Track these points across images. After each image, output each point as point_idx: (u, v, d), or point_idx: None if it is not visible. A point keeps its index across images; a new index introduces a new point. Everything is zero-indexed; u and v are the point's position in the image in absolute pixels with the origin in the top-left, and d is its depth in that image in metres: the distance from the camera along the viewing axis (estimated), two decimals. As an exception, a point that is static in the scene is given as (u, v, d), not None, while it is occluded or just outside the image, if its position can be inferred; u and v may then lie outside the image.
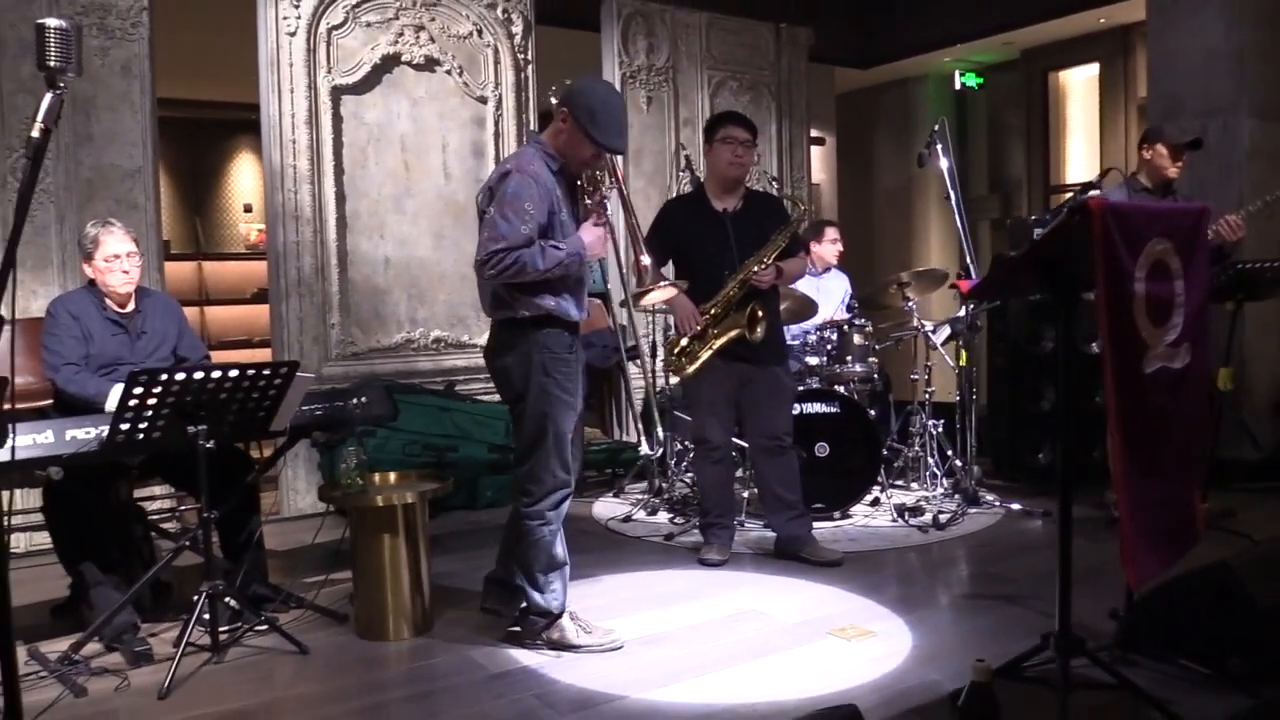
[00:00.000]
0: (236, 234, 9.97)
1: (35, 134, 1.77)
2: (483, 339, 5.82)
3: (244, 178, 10.08)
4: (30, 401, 4.52)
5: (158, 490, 4.61)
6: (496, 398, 5.72)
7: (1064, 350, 2.59)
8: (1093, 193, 3.43)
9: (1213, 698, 2.76)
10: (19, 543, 4.70)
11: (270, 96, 5.23)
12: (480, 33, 5.84)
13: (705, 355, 4.16)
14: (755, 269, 4.11)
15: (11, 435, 2.78)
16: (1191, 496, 2.67)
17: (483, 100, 5.87)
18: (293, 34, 5.25)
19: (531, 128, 5.97)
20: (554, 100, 3.35)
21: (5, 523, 2.11)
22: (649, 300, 3.67)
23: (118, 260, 3.60)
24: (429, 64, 5.68)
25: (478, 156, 5.87)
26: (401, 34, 5.58)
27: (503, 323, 3.30)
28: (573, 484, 3.35)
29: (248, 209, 10.10)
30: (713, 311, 4.15)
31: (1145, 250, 2.34)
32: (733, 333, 4.13)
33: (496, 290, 3.25)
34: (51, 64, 1.80)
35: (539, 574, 3.29)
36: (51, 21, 1.80)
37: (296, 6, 5.25)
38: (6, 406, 2.08)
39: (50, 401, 4.53)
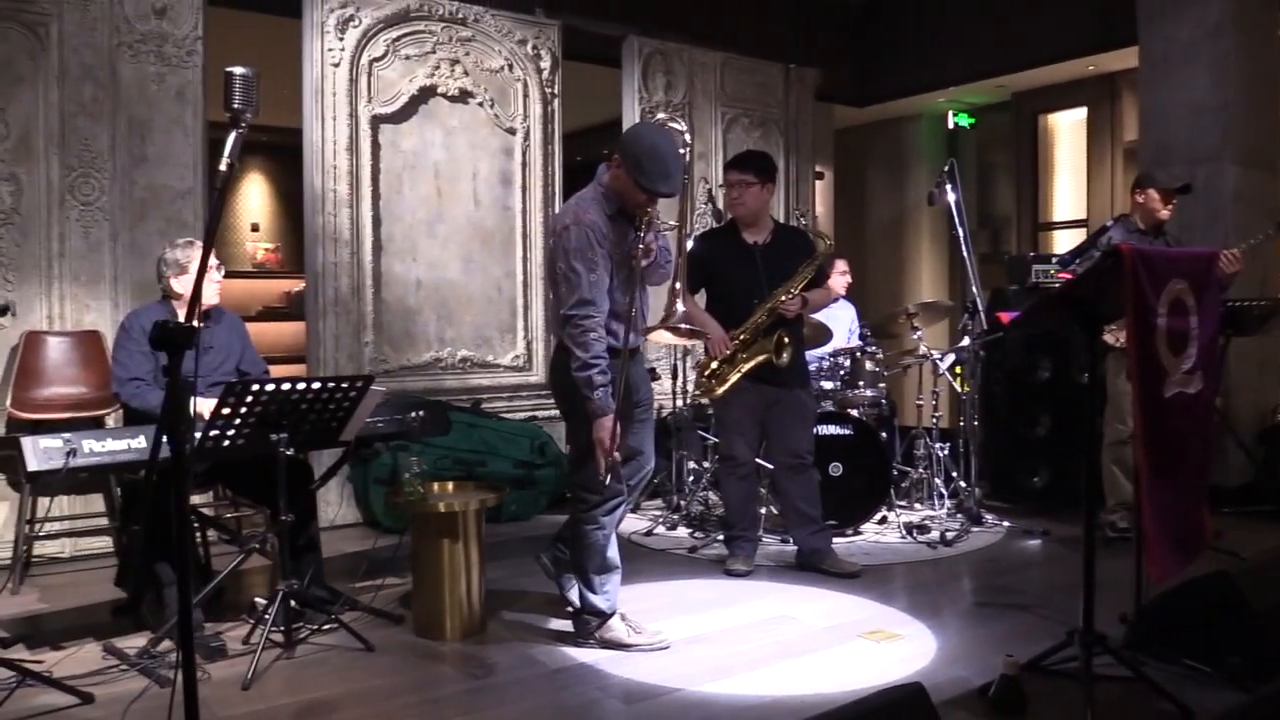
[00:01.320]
0: (244, 252, 10.16)
1: (223, 168, 2.01)
2: (506, 359, 6.13)
3: (252, 198, 10.29)
4: (85, 411, 4.74)
5: (196, 499, 4.79)
6: (520, 416, 6.01)
7: (1092, 377, 2.88)
8: (1108, 237, 3.74)
9: (1213, 693, 3.01)
10: (63, 548, 4.87)
11: (314, 123, 5.46)
12: (511, 67, 6.12)
13: (734, 378, 4.43)
14: (783, 298, 4.40)
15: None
16: (1201, 509, 2.96)
17: (511, 131, 6.14)
18: (337, 65, 5.49)
19: (557, 158, 6.26)
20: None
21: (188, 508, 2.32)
22: (656, 337, 3.88)
23: (210, 271, 3.82)
24: (462, 96, 5.94)
25: (505, 185, 6.13)
26: (438, 67, 5.84)
27: (560, 345, 3.56)
28: (625, 491, 3.59)
29: (255, 228, 10.31)
30: (742, 337, 4.42)
31: (1166, 289, 2.65)
32: (760, 357, 4.40)
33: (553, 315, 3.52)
34: (236, 105, 2.04)
35: (593, 575, 3.54)
36: (237, 70, 2.04)
37: (341, 39, 5.49)
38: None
39: (105, 411, 4.76)
